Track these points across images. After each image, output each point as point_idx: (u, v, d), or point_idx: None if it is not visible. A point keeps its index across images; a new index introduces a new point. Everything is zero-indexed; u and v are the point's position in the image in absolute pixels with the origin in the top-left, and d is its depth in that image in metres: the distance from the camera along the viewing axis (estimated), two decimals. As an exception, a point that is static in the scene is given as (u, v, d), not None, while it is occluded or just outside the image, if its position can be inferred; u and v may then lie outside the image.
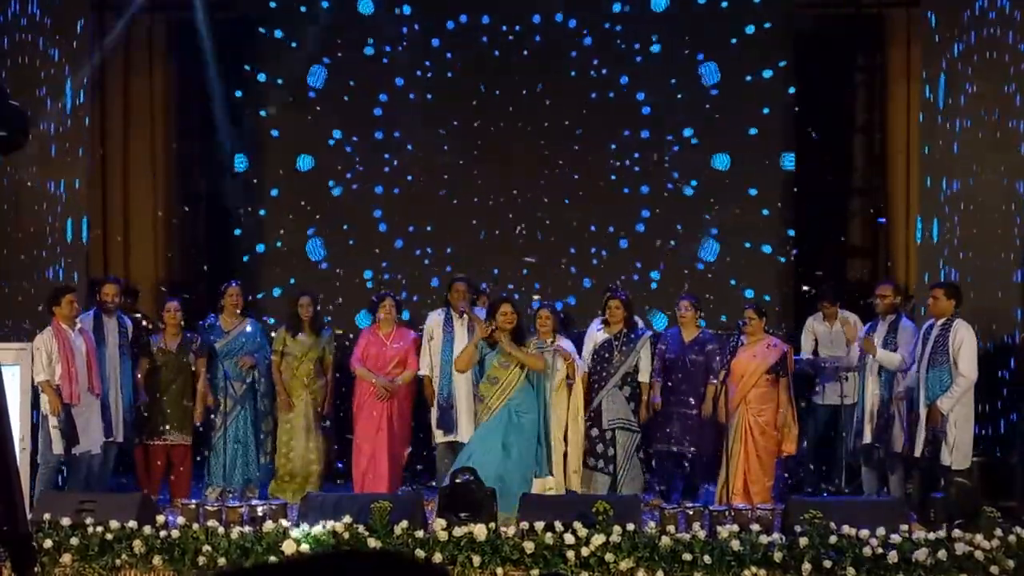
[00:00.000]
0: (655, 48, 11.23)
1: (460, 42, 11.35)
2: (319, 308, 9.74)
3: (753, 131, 11.17)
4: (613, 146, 11.26)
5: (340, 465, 10.16)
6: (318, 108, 11.37)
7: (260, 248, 11.36)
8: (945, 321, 8.35)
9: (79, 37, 10.02)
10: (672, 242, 11.22)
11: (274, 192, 11.41)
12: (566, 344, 9.14)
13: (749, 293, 10.89)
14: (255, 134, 11.44)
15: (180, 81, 11.78)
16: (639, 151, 11.26)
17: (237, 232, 11.46)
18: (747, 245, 11.18)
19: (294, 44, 11.33)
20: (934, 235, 9.81)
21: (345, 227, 11.35)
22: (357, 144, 11.37)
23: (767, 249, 11.16)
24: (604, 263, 11.23)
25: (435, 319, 9.51)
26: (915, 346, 8.63)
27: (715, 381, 9.14)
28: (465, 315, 9.28)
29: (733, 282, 11.13)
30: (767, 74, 11.14)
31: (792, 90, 11.18)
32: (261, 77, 11.37)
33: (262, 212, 11.40)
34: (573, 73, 11.31)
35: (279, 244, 11.35)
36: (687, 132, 11.21)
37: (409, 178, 11.36)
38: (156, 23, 11.62)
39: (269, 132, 11.41)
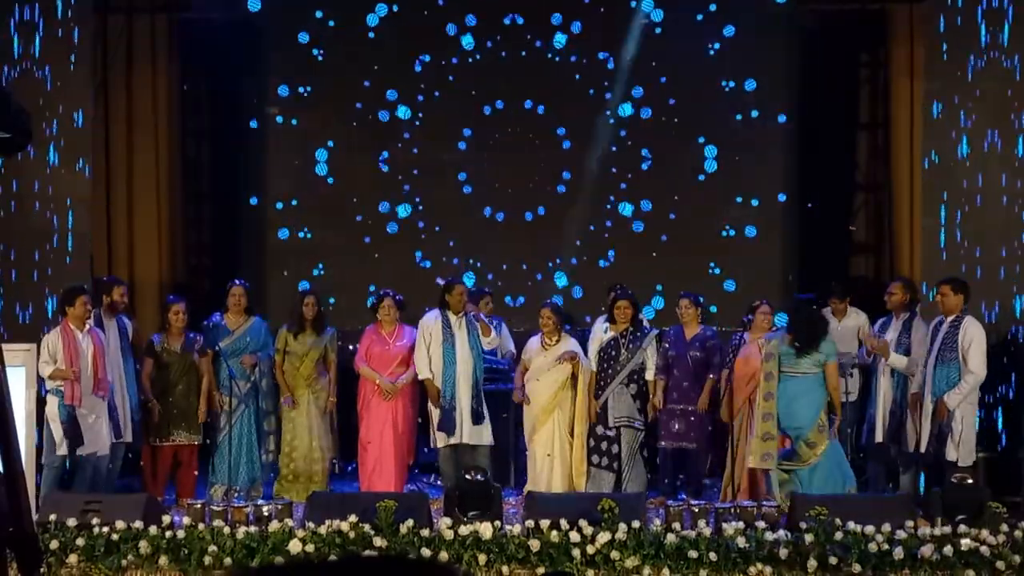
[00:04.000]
0: (659, 47, 11.25)
1: (466, 40, 11.37)
2: (322, 307, 9.72)
3: (757, 130, 11.19)
4: (613, 148, 11.30)
5: (346, 464, 10.17)
6: (321, 108, 11.39)
7: (263, 249, 11.40)
8: (955, 318, 8.29)
9: (83, 38, 10.01)
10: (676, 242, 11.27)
11: (276, 193, 11.44)
12: (572, 344, 9.18)
13: (755, 291, 10.89)
14: (259, 133, 11.47)
15: (184, 81, 11.79)
16: (643, 149, 11.28)
17: (241, 233, 11.52)
18: (752, 243, 11.21)
19: (297, 42, 11.36)
20: (939, 232, 9.80)
21: (347, 229, 11.38)
22: (360, 145, 11.40)
23: (771, 247, 11.18)
24: (607, 261, 11.27)
25: (431, 321, 9.32)
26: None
27: (713, 376, 9.16)
28: (462, 316, 9.24)
29: (738, 282, 11.16)
30: (770, 71, 11.15)
31: (796, 85, 11.19)
32: (265, 75, 11.40)
33: (266, 212, 11.45)
34: (577, 76, 11.33)
35: (283, 244, 11.40)
36: (691, 131, 11.24)
37: (415, 172, 11.40)
38: (159, 23, 11.61)
39: (273, 132, 11.44)
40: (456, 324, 9.24)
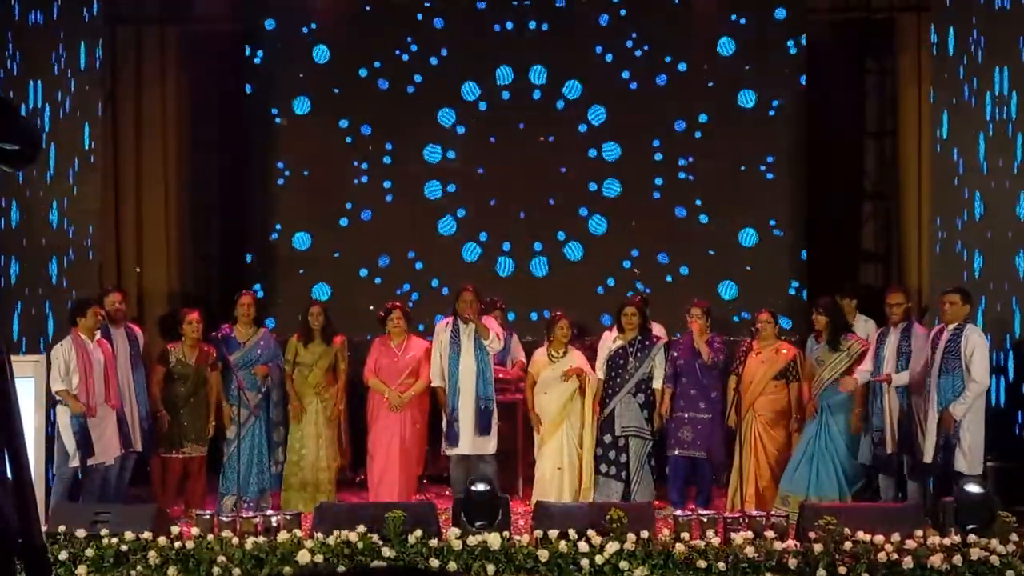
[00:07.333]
0: (664, 51, 11.28)
1: (470, 45, 11.40)
2: (329, 316, 9.71)
3: (764, 135, 11.20)
4: (621, 155, 11.33)
5: (354, 474, 10.17)
6: (327, 116, 11.43)
7: (272, 259, 11.43)
8: (956, 326, 8.25)
9: (91, 49, 10.05)
10: (684, 249, 11.28)
11: (285, 204, 11.47)
12: (578, 358, 9.25)
13: (761, 298, 10.90)
14: (268, 143, 11.50)
15: (193, 92, 11.83)
16: (649, 157, 11.30)
17: (249, 244, 11.54)
18: (758, 248, 11.21)
19: (304, 52, 11.41)
20: (947, 240, 9.78)
21: (354, 234, 11.41)
22: (365, 152, 11.42)
23: (778, 253, 11.17)
24: (616, 271, 11.28)
25: (441, 328, 9.36)
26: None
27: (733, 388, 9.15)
28: (471, 324, 9.21)
29: (744, 290, 11.15)
30: (778, 78, 11.17)
31: (803, 93, 11.20)
32: (273, 85, 11.44)
33: (275, 223, 11.47)
34: (583, 83, 11.35)
35: (289, 252, 11.43)
36: (697, 135, 11.25)
37: (421, 183, 11.43)
38: (168, 34, 11.67)
39: (281, 142, 11.48)
40: (465, 332, 9.23)
